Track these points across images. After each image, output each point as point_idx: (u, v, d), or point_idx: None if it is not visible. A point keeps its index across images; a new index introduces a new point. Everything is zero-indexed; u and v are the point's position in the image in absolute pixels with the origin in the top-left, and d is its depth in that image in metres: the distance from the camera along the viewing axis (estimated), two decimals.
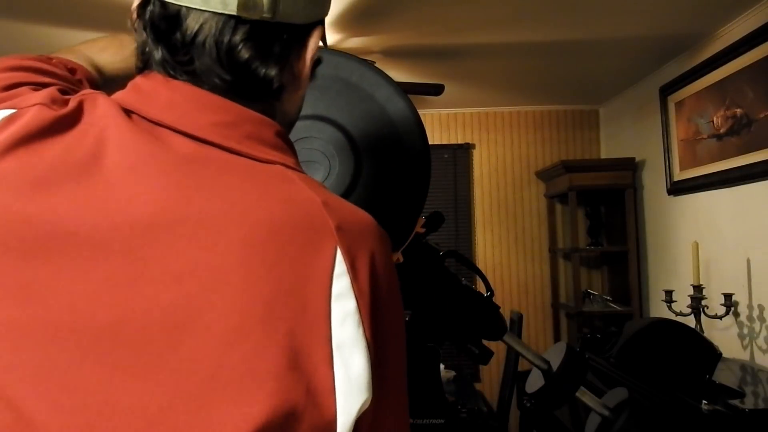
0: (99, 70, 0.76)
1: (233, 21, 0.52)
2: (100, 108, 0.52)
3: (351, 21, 2.54)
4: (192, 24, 0.52)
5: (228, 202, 0.47)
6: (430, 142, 0.86)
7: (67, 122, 0.50)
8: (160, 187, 0.47)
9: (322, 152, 0.80)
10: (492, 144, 4.20)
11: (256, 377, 0.43)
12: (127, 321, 0.44)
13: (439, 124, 4.18)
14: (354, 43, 2.80)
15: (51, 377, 0.43)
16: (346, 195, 0.79)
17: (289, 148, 0.56)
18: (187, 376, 0.43)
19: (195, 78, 0.53)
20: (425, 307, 0.94)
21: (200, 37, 0.51)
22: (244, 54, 0.52)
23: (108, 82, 0.75)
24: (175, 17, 0.52)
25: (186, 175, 0.48)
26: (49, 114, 0.50)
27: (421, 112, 0.87)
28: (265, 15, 0.52)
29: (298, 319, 0.45)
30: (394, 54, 2.95)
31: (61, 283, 0.45)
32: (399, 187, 0.82)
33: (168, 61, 0.53)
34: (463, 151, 4.17)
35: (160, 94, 0.52)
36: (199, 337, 0.43)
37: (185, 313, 0.44)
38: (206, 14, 0.51)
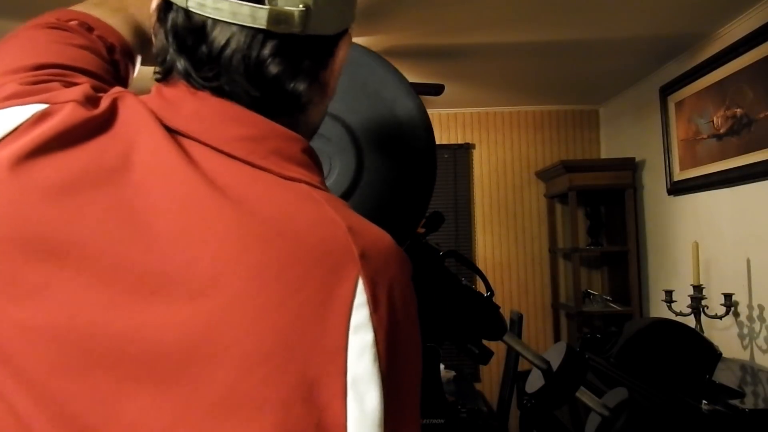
0: (141, 34, 0.69)
1: (262, 35, 0.49)
2: (130, 110, 0.50)
3: None
4: (219, 37, 0.49)
5: (252, 221, 0.45)
6: None
7: (100, 124, 0.49)
8: (186, 202, 0.46)
9: (322, 149, 0.78)
10: (492, 144, 4.19)
11: (265, 406, 0.42)
12: (141, 335, 0.43)
13: (439, 124, 4.18)
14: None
15: (54, 384, 0.42)
16: (347, 194, 0.78)
17: (315, 165, 0.53)
18: (196, 397, 0.42)
19: (220, 91, 0.51)
20: (425, 307, 0.94)
21: (227, 52, 0.49)
22: (273, 69, 0.50)
23: (146, 44, 0.68)
24: (200, 30, 0.49)
25: (212, 191, 0.46)
26: (84, 114, 0.48)
27: None
28: (295, 29, 0.49)
29: (314, 350, 0.43)
30: (394, 54, 2.94)
31: (75, 290, 0.44)
32: (402, 188, 0.81)
33: (191, 75, 0.51)
34: (463, 151, 4.17)
35: (186, 104, 0.51)
36: (212, 359, 0.42)
37: (201, 333, 0.42)
38: (234, 28, 0.49)
